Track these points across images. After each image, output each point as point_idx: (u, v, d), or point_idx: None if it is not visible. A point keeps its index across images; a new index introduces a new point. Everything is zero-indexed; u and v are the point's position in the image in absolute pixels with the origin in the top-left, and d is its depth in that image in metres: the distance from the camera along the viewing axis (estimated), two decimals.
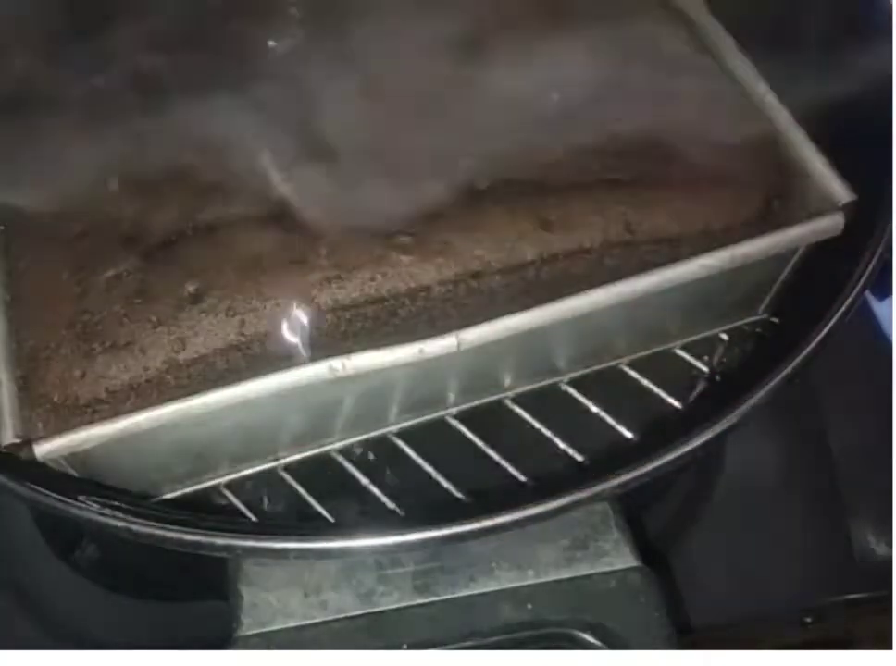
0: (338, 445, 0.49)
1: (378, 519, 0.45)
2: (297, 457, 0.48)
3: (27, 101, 0.48)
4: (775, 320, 0.51)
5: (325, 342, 0.43)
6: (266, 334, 0.42)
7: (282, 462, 0.48)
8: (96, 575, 0.56)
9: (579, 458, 0.48)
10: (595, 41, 0.49)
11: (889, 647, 0.49)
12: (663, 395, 0.49)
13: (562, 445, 0.48)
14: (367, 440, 0.49)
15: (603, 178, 0.45)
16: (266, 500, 0.48)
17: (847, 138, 0.47)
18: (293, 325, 0.42)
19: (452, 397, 0.48)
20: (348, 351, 0.42)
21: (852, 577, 0.57)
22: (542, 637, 0.41)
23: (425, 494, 0.47)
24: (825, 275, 0.45)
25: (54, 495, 0.39)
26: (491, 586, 0.41)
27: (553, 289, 0.43)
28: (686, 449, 0.40)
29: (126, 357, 0.42)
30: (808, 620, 0.58)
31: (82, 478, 0.43)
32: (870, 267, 0.44)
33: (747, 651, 0.51)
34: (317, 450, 0.48)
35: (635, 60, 0.48)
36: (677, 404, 0.49)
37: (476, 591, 0.41)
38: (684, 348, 0.51)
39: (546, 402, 0.49)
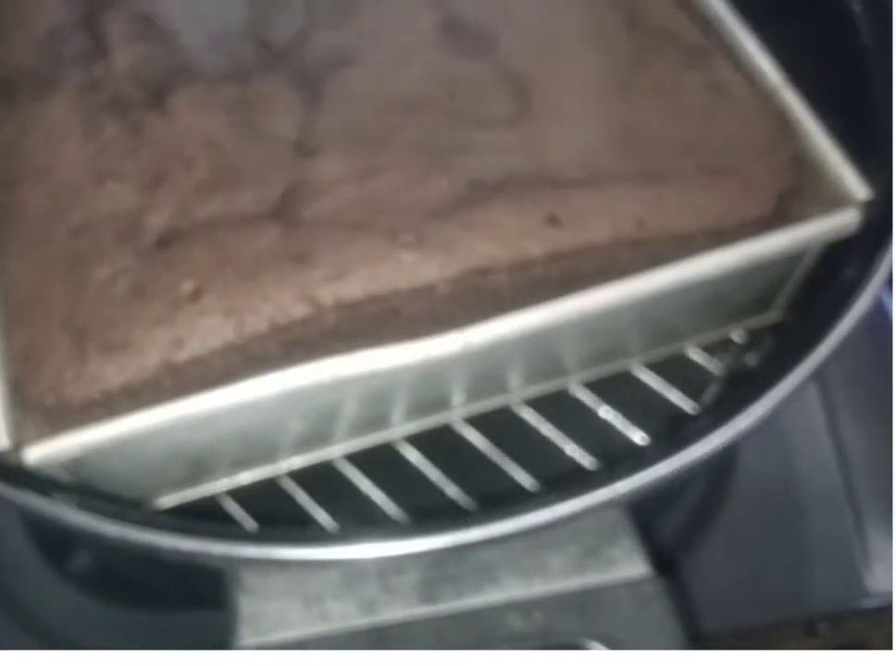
0: (340, 449, 0.48)
1: (382, 526, 0.45)
2: (298, 462, 0.48)
3: (22, 90, 0.47)
4: (789, 320, 0.50)
5: (326, 342, 0.42)
6: (265, 334, 0.41)
7: (283, 467, 0.48)
8: (89, 584, 0.55)
9: (590, 463, 0.48)
10: (604, 34, 0.48)
11: None
12: (675, 397, 0.49)
13: (570, 450, 0.48)
14: (370, 444, 0.48)
15: (613, 174, 0.44)
16: (265, 507, 0.47)
17: (864, 132, 0.46)
18: (293, 324, 0.41)
19: (457, 399, 0.48)
20: (350, 352, 0.41)
21: (868, 583, 0.56)
22: (551, 648, 0.40)
23: (430, 500, 0.47)
24: (841, 273, 0.44)
25: (45, 501, 0.38)
26: (498, 595, 0.40)
27: (561, 288, 0.42)
28: (700, 454, 0.39)
29: (121, 358, 0.41)
30: (822, 627, 0.57)
31: (75, 483, 0.42)
32: (886, 266, 0.43)
33: (747, 651, 0.50)
34: (318, 455, 0.48)
35: (645, 53, 0.47)
36: (689, 407, 0.48)
37: (482, 600, 0.40)
38: (696, 349, 0.50)
39: (555, 405, 0.49)
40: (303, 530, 0.45)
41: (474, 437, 0.48)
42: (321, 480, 0.48)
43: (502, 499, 0.39)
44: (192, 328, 0.41)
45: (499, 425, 0.49)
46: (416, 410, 0.47)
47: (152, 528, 0.38)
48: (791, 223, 0.44)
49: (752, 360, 0.50)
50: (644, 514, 0.42)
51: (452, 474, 0.47)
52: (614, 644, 0.40)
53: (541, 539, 0.41)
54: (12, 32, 0.49)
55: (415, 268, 0.42)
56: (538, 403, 0.49)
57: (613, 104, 0.46)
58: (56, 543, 0.56)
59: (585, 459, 0.48)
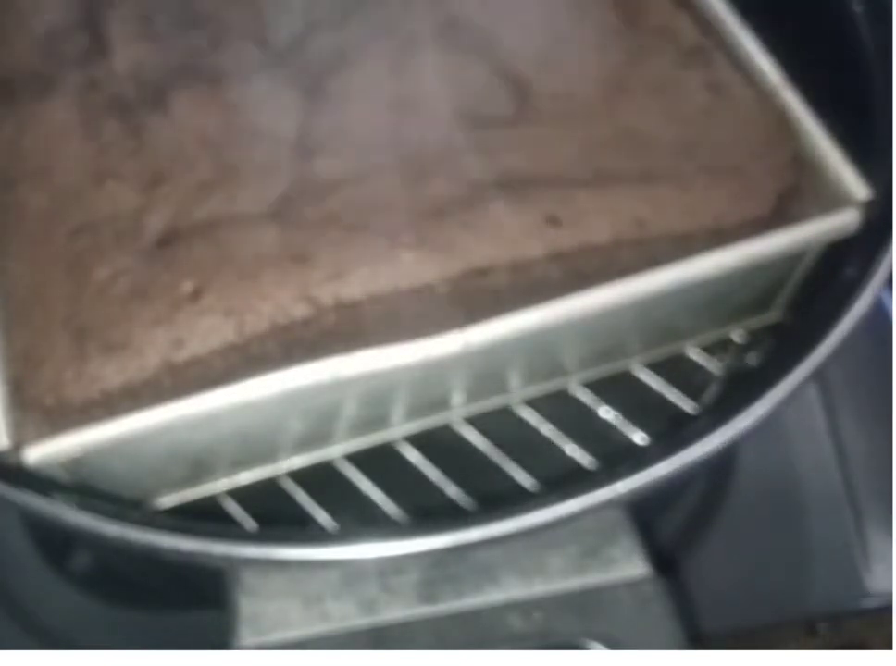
0: (340, 449, 0.48)
1: (382, 526, 0.44)
2: (298, 462, 0.48)
3: (22, 90, 0.47)
4: (789, 320, 0.50)
5: (326, 342, 0.42)
6: (265, 334, 0.41)
7: (283, 467, 0.48)
8: (89, 584, 0.55)
9: (590, 463, 0.48)
10: (604, 33, 0.48)
11: None
12: (675, 397, 0.49)
13: (570, 450, 0.48)
14: (370, 444, 0.48)
15: (613, 174, 0.44)
16: (265, 507, 0.47)
17: (864, 132, 0.46)
18: (293, 324, 0.41)
19: (457, 399, 0.47)
20: (350, 352, 0.41)
21: (868, 583, 0.56)
22: (551, 648, 0.40)
23: (430, 500, 0.46)
24: (841, 273, 0.44)
25: (45, 501, 0.38)
26: (498, 595, 0.40)
27: (561, 288, 0.42)
28: (700, 454, 0.39)
29: (121, 358, 0.41)
30: (822, 627, 0.57)
31: (75, 483, 0.42)
32: (886, 266, 0.43)
33: (747, 651, 0.50)
34: (318, 455, 0.48)
35: (645, 52, 0.47)
36: (689, 407, 0.48)
37: (482, 600, 0.40)
38: (696, 349, 0.50)
39: (555, 405, 0.49)
40: (303, 530, 0.45)
41: (474, 438, 0.48)
42: (321, 480, 0.48)
43: (502, 499, 0.39)
44: (192, 328, 0.41)
45: (499, 425, 0.49)
46: (416, 410, 0.47)
47: (152, 528, 0.37)
48: (791, 223, 0.44)
49: (752, 360, 0.50)
50: (644, 514, 0.42)
51: (452, 474, 0.47)
52: (614, 644, 0.40)
53: (541, 539, 0.41)
54: (12, 32, 0.49)
55: (415, 268, 0.42)
56: (538, 403, 0.49)
57: (612, 103, 0.46)
58: (56, 543, 0.56)
59: (585, 459, 0.48)
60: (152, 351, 0.41)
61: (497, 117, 0.46)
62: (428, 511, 0.46)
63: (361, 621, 0.40)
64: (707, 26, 0.49)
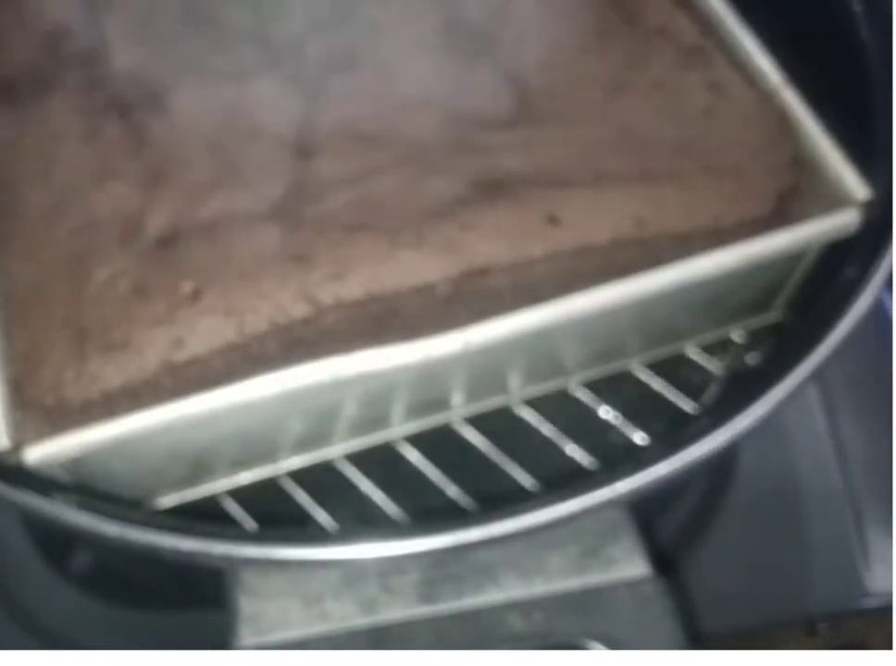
0: (340, 449, 0.48)
1: (382, 526, 0.45)
2: (298, 462, 0.48)
3: (22, 90, 0.47)
4: (789, 320, 0.50)
5: (326, 342, 0.42)
6: (265, 334, 0.41)
7: (283, 467, 0.48)
8: (89, 584, 0.55)
9: (590, 463, 0.48)
10: (604, 34, 0.48)
11: None
12: (675, 397, 0.49)
13: (570, 450, 0.48)
14: (370, 445, 0.48)
15: (613, 174, 0.44)
16: (265, 507, 0.47)
17: (864, 132, 0.46)
18: (293, 324, 0.41)
19: (457, 399, 0.47)
20: (350, 352, 0.41)
21: (868, 583, 0.56)
22: (551, 648, 0.40)
23: (430, 500, 0.46)
24: (841, 273, 0.44)
25: (45, 501, 0.38)
26: (499, 595, 0.40)
27: (561, 288, 0.42)
28: (700, 454, 0.39)
29: (121, 358, 0.41)
30: (822, 627, 0.57)
31: (75, 483, 0.42)
32: (886, 266, 0.43)
33: (747, 651, 0.50)
34: (318, 455, 0.48)
35: (644, 52, 0.47)
36: (689, 407, 0.48)
37: (482, 600, 0.40)
38: (696, 349, 0.50)
39: (555, 405, 0.49)
40: (303, 530, 0.45)
41: (474, 437, 0.48)
42: (321, 480, 0.48)
43: (502, 499, 0.39)
44: (192, 328, 0.41)
45: (499, 425, 0.49)
46: (416, 410, 0.47)
47: (152, 528, 0.37)
48: (791, 223, 0.44)
49: (752, 360, 0.50)
50: (644, 514, 0.42)
51: (452, 474, 0.47)
52: (614, 644, 0.40)
53: (541, 539, 0.41)
54: (12, 32, 0.49)
55: (415, 268, 0.42)
56: (538, 403, 0.49)
57: (612, 103, 0.46)
58: (55, 543, 0.56)
59: (585, 459, 0.48)
60: (152, 351, 0.41)
61: (497, 117, 0.46)
62: (428, 512, 0.46)
63: (361, 621, 0.40)
64: (707, 26, 0.49)
